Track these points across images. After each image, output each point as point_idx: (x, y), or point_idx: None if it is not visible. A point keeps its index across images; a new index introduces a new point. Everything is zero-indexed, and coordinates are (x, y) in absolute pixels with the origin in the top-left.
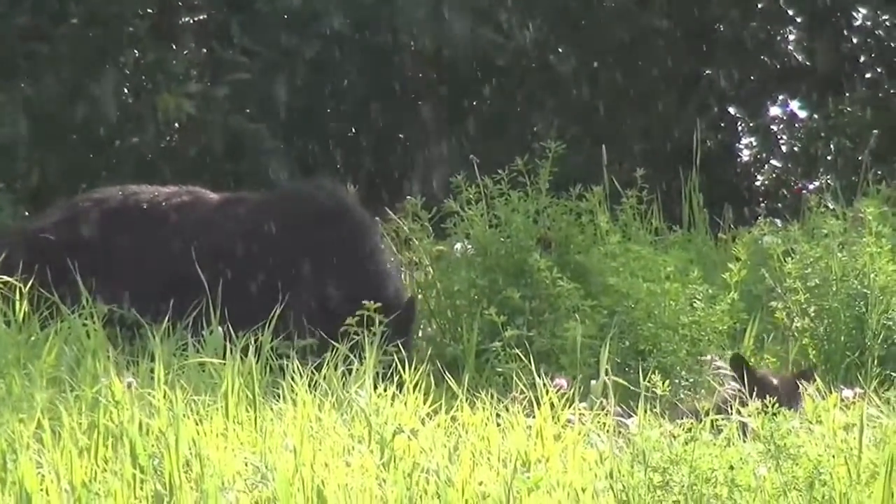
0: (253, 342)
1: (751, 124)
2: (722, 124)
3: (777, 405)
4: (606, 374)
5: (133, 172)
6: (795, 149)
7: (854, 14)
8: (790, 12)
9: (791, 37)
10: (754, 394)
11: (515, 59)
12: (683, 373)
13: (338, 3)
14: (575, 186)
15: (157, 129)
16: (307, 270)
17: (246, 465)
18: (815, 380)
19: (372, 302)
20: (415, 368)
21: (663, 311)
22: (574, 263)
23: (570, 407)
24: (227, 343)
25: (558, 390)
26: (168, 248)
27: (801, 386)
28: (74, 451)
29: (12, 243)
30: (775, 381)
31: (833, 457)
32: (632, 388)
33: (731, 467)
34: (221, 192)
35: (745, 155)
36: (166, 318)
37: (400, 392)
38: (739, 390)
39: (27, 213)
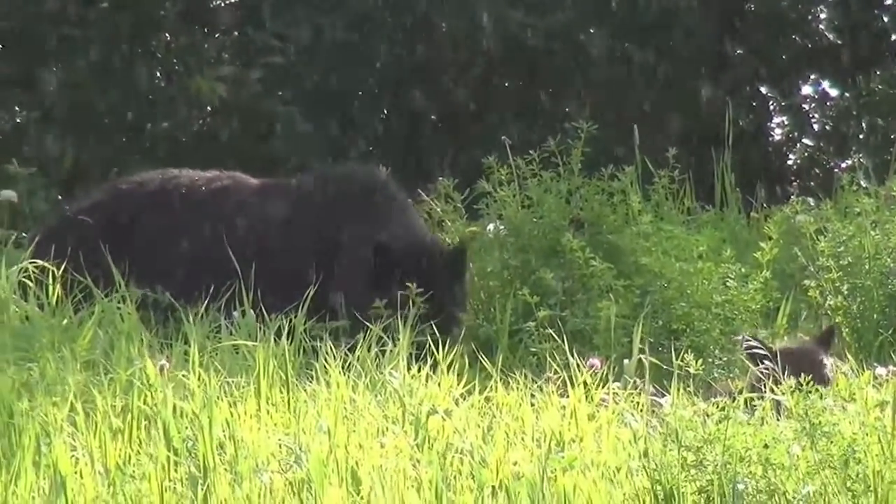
0: (286, 324)
1: (782, 103)
2: (753, 103)
3: (799, 376)
4: (640, 354)
5: (165, 156)
6: (827, 127)
7: None
8: None
9: (822, 15)
10: (777, 369)
11: (546, 40)
12: (717, 352)
13: None
14: (607, 166)
15: (189, 113)
16: (347, 255)
17: (280, 446)
18: (837, 339)
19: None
20: (448, 349)
21: (696, 290)
22: (607, 243)
23: (603, 386)
24: (261, 325)
25: (592, 370)
26: (206, 232)
27: (822, 350)
28: (108, 434)
29: (50, 226)
30: (794, 352)
31: (867, 435)
32: (665, 367)
33: (766, 446)
34: (261, 178)
35: (777, 134)
36: (203, 302)
37: (434, 373)
38: (773, 369)
39: (60, 197)
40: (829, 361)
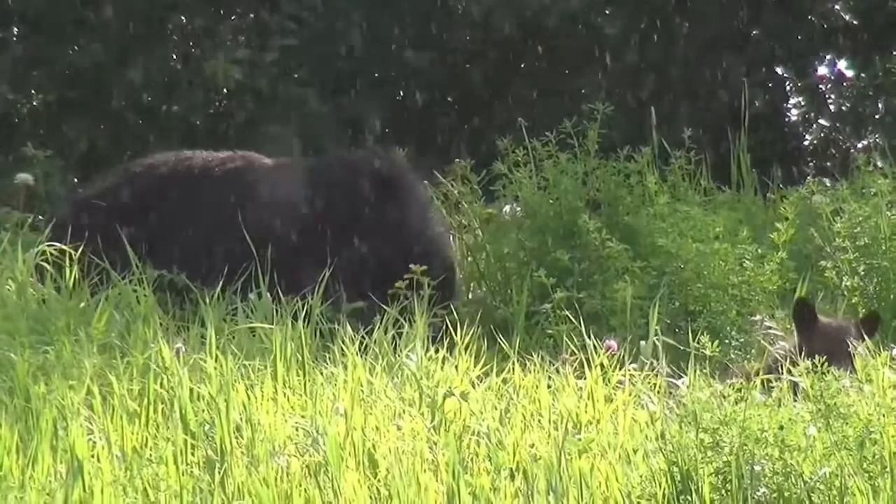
0: (302, 307)
1: (799, 84)
2: (770, 84)
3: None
4: (656, 335)
5: (181, 138)
6: (843, 108)
7: None
8: None
9: None
10: (814, 340)
11: (562, 22)
12: (733, 333)
13: None
14: (623, 148)
15: (205, 95)
16: (359, 235)
17: (297, 429)
18: (880, 328)
19: (419, 265)
20: (465, 331)
21: (712, 271)
22: (623, 225)
23: (620, 368)
24: (278, 308)
25: (608, 351)
26: (220, 213)
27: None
28: (125, 418)
29: (66, 209)
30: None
31: (883, 416)
32: (682, 348)
33: (782, 427)
34: (274, 158)
35: (793, 115)
36: (218, 284)
37: (450, 355)
38: (790, 350)
39: (76, 180)
40: (859, 345)
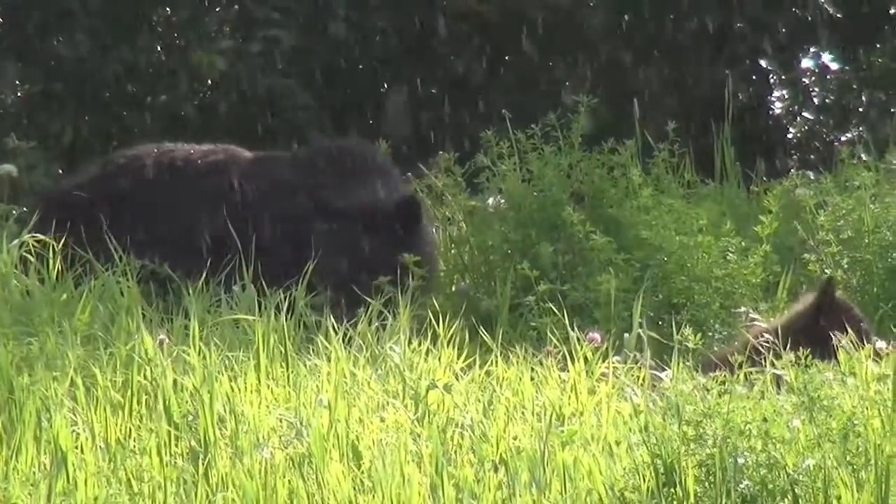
0: (286, 298)
1: (782, 77)
2: (753, 77)
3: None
4: (640, 328)
5: (166, 129)
6: (827, 101)
7: None
8: None
9: None
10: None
11: (547, 14)
12: (717, 325)
13: None
14: (607, 140)
15: (189, 86)
16: (338, 226)
17: (280, 421)
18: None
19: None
20: (449, 323)
21: (696, 263)
22: (607, 217)
23: (603, 361)
24: (261, 299)
25: (592, 344)
26: (202, 205)
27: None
28: (109, 409)
29: (47, 201)
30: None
31: (867, 408)
32: (665, 341)
33: (765, 419)
34: (255, 151)
35: (777, 107)
36: (201, 276)
37: (434, 347)
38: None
39: (61, 171)
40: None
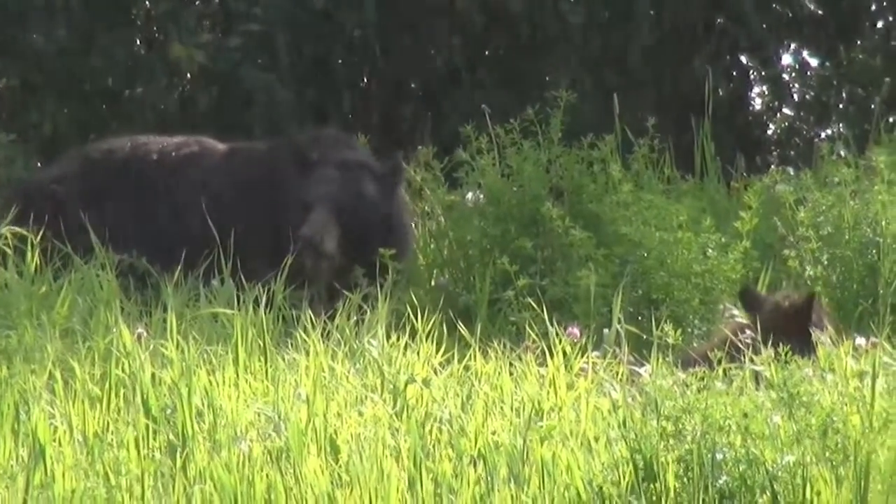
0: (265, 292)
1: (763, 73)
2: (734, 73)
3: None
4: (619, 323)
5: (145, 123)
6: (807, 97)
7: None
8: None
9: None
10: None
11: (528, 9)
12: (696, 321)
13: None
14: (587, 136)
15: (168, 80)
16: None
17: (258, 415)
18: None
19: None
20: (427, 318)
21: (676, 259)
22: (586, 212)
23: (582, 356)
24: (240, 293)
25: (571, 339)
26: (176, 198)
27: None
28: (87, 402)
29: (22, 195)
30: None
31: (846, 405)
32: (644, 336)
33: (745, 415)
34: (228, 143)
35: (757, 103)
36: (177, 269)
37: (412, 341)
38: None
39: (39, 165)
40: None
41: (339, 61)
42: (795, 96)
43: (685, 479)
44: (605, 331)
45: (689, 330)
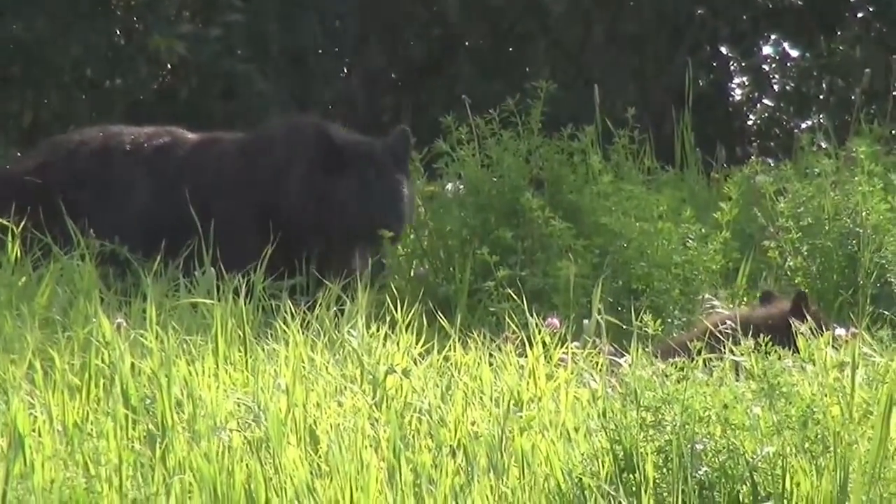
0: (245, 282)
1: (743, 64)
2: (714, 64)
3: None
4: (599, 314)
5: (125, 114)
6: (787, 88)
7: None
8: None
9: None
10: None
11: None
12: (676, 312)
13: None
14: (567, 126)
15: (148, 71)
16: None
17: (238, 405)
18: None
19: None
20: (407, 308)
21: (656, 250)
22: (566, 203)
23: (562, 346)
24: (220, 283)
25: (551, 330)
26: (151, 188)
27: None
28: (66, 392)
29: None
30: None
31: (826, 395)
32: (624, 327)
33: (725, 406)
34: (199, 133)
35: (738, 94)
36: (155, 260)
37: (392, 332)
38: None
39: (19, 155)
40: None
41: (319, 52)
42: (776, 87)
43: (665, 470)
44: (585, 321)
45: (669, 320)
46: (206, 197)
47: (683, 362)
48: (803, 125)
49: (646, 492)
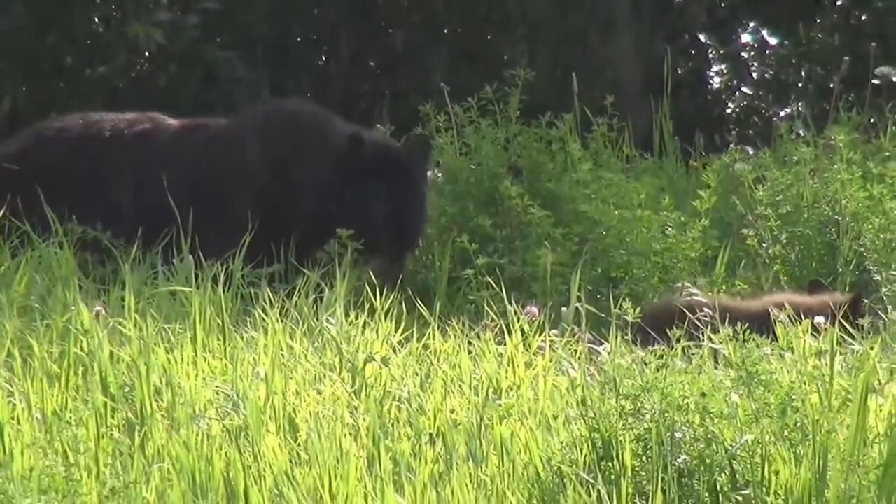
0: (224, 270)
1: (721, 51)
2: (692, 51)
3: None
4: (578, 302)
5: (104, 101)
6: (766, 76)
7: None
8: None
9: None
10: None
11: None
12: (655, 300)
13: None
14: (545, 114)
15: (127, 59)
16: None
17: (217, 393)
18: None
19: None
20: (386, 296)
21: (635, 238)
22: (545, 191)
23: (541, 334)
24: (199, 271)
25: (529, 317)
26: (130, 175)
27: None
28: (45, 380)
29: None
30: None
31: (805, 383)
32: (603, 315)
33: (703, 394)
34: (181, 119)
35: (716, 82)
36: (134, 247)
37: (371, 320)
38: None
39: None
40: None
41: (298, 39)
42: (754, 75)
43: (644, 458)
44: (564, 309)
45: None
46: (193, 184)
47: (662, 350)
48: (782, 113)
49: (624, 480)
